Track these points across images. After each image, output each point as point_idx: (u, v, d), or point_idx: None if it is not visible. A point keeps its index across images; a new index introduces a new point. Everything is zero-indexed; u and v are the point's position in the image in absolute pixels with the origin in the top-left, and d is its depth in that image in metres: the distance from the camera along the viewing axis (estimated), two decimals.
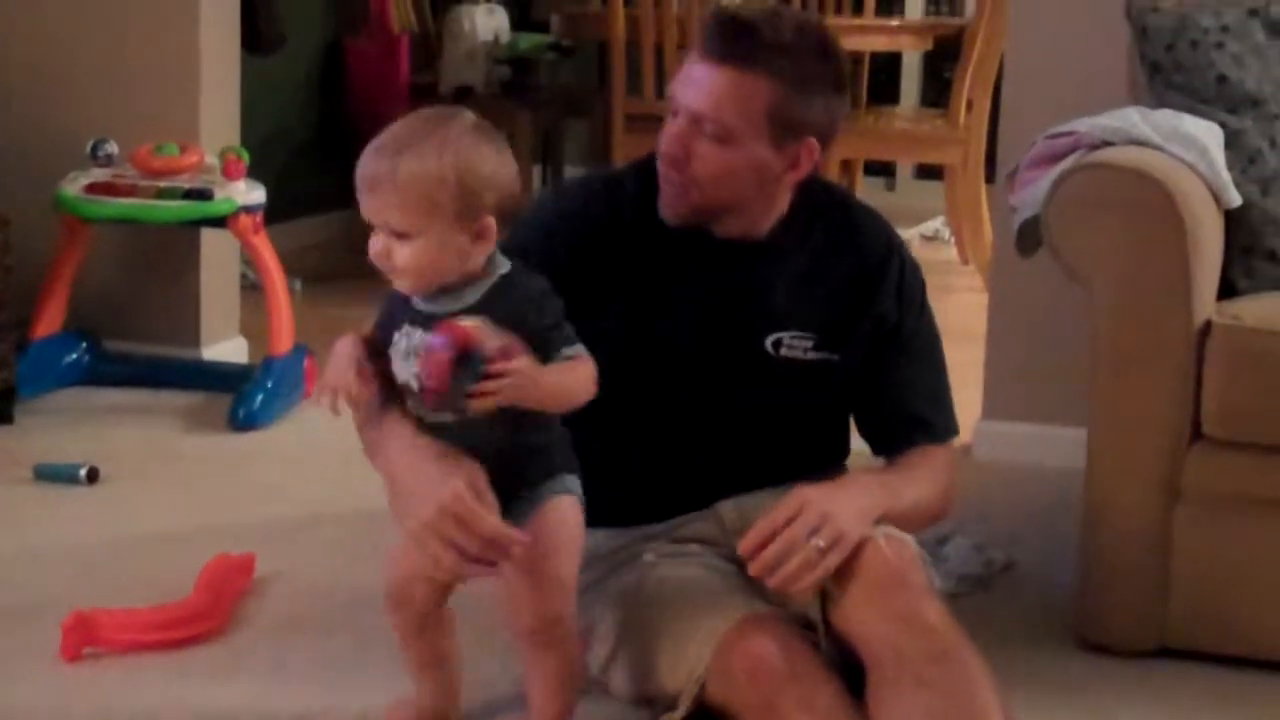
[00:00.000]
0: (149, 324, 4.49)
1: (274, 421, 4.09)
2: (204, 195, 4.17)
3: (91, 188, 4.21)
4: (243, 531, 3.30)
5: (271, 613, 2.95)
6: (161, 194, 4.17)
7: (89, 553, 3.25)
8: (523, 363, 2.18)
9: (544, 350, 2.23)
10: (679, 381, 2.60)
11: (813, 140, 2.52)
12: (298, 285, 5.16)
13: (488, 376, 2.15)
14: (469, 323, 2.18)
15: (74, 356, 4.35)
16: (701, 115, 2.46)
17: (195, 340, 4.51)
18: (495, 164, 2.26)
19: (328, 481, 3.62)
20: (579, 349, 2.27)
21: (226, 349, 4.58)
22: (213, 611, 2.87)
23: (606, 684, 2.55)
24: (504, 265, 2.30)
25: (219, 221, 4.22)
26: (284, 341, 4.23)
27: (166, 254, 4.48)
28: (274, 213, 4.40)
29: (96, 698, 2.61)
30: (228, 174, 4.22)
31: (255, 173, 4.31)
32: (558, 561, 2.31)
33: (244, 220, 4.21)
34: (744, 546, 2.40)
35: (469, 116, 2.29)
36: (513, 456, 2.29)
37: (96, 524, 3.41)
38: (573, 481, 2.35)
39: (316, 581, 3.10)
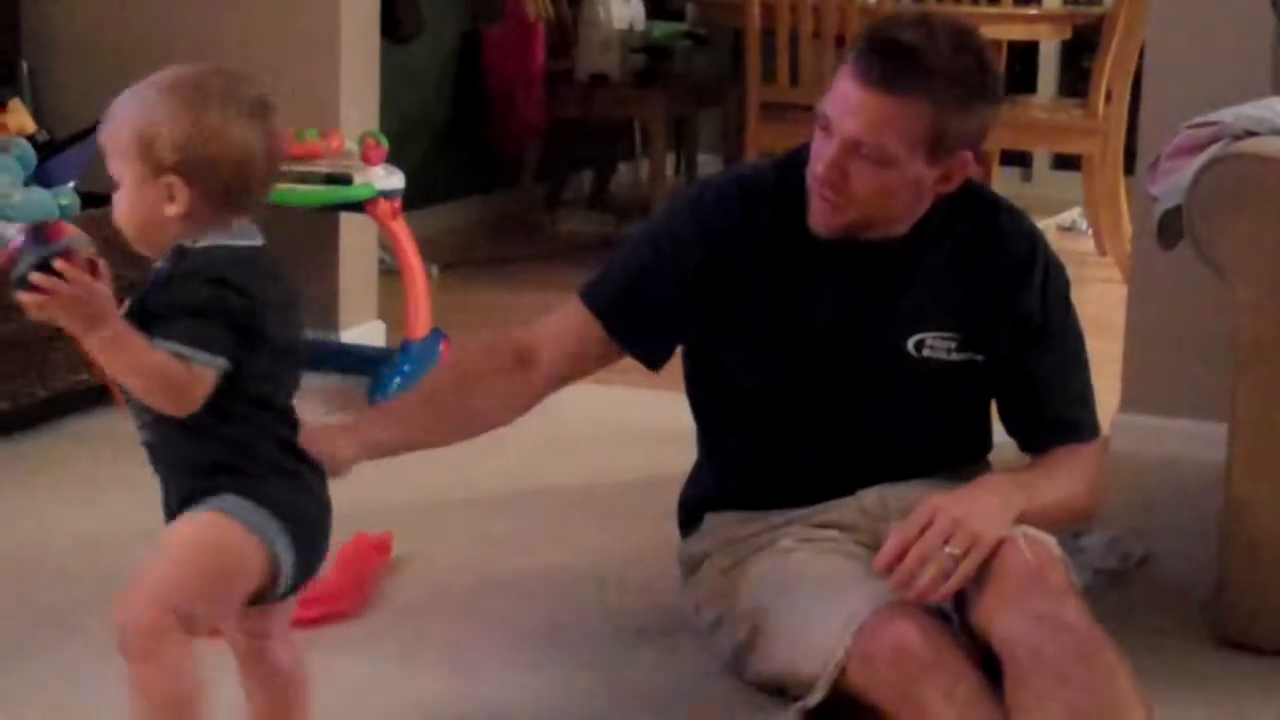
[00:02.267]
0: None
1: None
2: (343, 180, 4.22)
3: None
4: (379, 513, 3.33)
5: (406, 594, 3.00)
6: (302, 178, 4.22)
7: None
8: (87, 279, 1.98)
9: (145, 325, 2.03)
10: (819, 382, 2.61)
11: (966, 153, 2.50)
12: (435, 270, 5.21)
13: (52, 273, 1.96)
14: (66, 223, 2.05)
15: None
16: (859, 142, 2.44)
17: (334, 323, 4.58)
18: (190, 125, 2.03)
19: (462, 466, 3.64)
20: (182, 349, 2.00)
21: (364, 332, 4.64)
22: (349, 590, 2.92)
23: (740, 670, 2.56)
24: (214, 239, 2.06)
25: (358, 206, 4.27)
26: (421, 325, 4.28)
27: (307, 238, 4.54)
28: (412, 198, 4.45)
29: (231, 671, 2.65)
30: (367, 159, 4.27)
31: (394, 158, 4.35)
32: (153, 565, 2.08)
33: (383, 205, 4.26)
34: (879, 562, 2.40)
35: (207, 73, 2.09)
36: (195, 472, 2.10)
37: None
38: (225, 500, 2.07)
39: (450, 565, 3.14)
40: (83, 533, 3.28)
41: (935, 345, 2.58)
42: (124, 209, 2.08)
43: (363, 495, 3.48)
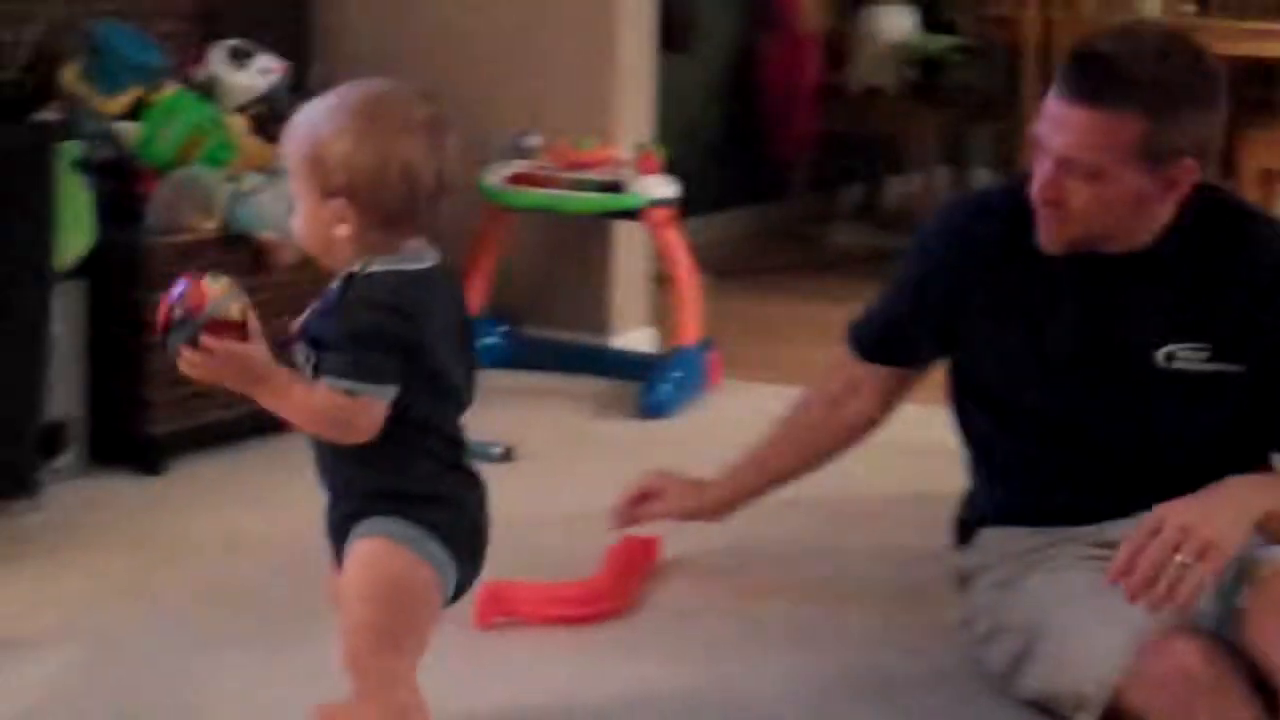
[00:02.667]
0: (562, 311, 4.64)
1: (680, 410, 4.18)
2: (618, 188, 4.28)
3: (514, 178, 4.37)
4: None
5: (673, 597, 3.02)
6: (578, 186, 4.30)
7: (501, 528, 3.34)
8: (236, 348, 2.06)
9: (319, 360, 2.11)
10: (1072, 397, 2.59)
11: (1189, 160, 2.46)
12: (706, 279, 5.24)
13: (200, 345, 2.05)
14: (213, 284, 2.07)
15: (493, 339, 4.52)
16: (1069, 159, 2.44)
17: (606, 328, 4.64)
18: (355, 146, 2.06)
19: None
20: (346, 384, 2.06)
21: (636, 338, 4.70)
22: (618, 591, 2.96)
23: (1011, 684, 2.54)
24: (382, 264, 2.11)
25: (632, 214, 4.34)
26: (692, 333, 4.32)
27: (582, 244, 4.62)
28: (685, 207, 4.49)
29: (505, 666, 2.72)
30: (642, 168, 4.33)
31: (671, 166, 4.40)
32: (345, 609, 2.18)
33: (656, 214, 4.32)
34: (1111, 573, 2.36)
35: (381, 91, 2.12)
36: (360, 496, 2.18)
37: (509, 501, 3.49)
38: (384, 524, 2.15)
39: (717, 568, 3.16)
40: None
41: (1186, 356, 2.54)
42: (301, 229, 2.14)
43: None
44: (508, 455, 3.77)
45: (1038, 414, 2.62)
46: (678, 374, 4.23)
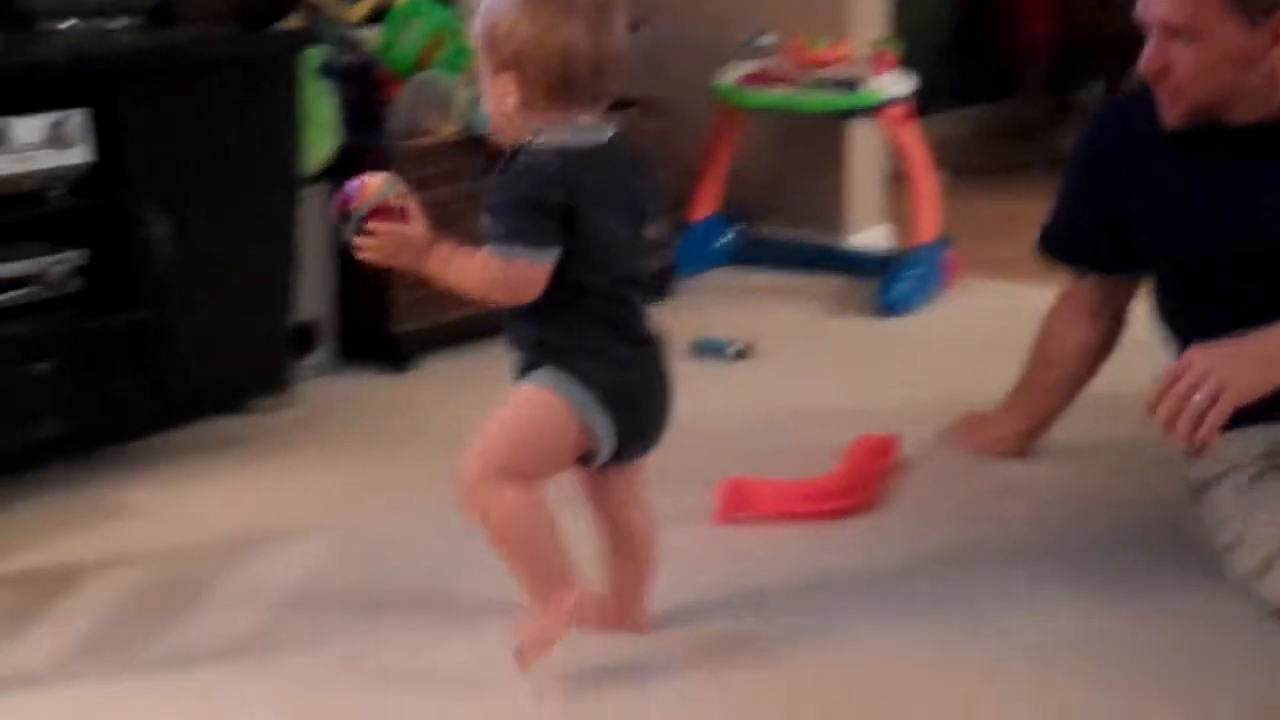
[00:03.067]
0: (798, 210, 4.64)
1: (916, 308, 4.17)
2: (853, 86, 4.25)
3: (747, 78, 4.37)
4: (884, 413, 3.38)
5: (909, 495, 3.02)
6: (812, 85, 4.28)
7: (738, 425, 3.41)
8: (395, 228, 2.25)
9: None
10: (1232, 274, 2.62)
11: None
12: (944, 176, 5.19)
13: (366, 231, 2.25)
14: (374, 179, 2.28)
15: (727, 239, 4.55)
16: (1163, 22, 2.49)
17: (841, 227, 4.63)
18: (519, 21, 2.18)
19: (968, 369, 3.66)
20: (504, 249, 2.19)
21: (872, 236, 4.68)
22: (856, 489, 2.97)
23: (1257, 592, 2.48)
24: (545, 138, 2.22)
25: (867, 112, 4.31)
26: (928, 231, 4.29)
27: (816, 143, 4.61)
28: (919, 104, 4.45)
29: (745, 559, 2.74)
30: (877, 66, 4.29)
31: (904, 64, 4.36)
32: (486, 427, 2.29)
33: (892, 111, 4.28)
34: (1146, 406, 2.40)
35: None
36: (529, 348, 2.31)
37: (745, 398, 3.57)
38: (545, 373, 2.27)
39: (957, 467, 3.15)
40: None
41: None
42: (486, 103, 2.27)
43: (874, 393, 3.57)
44: (743, 353, 3.79)
45: (1237, 298, 2.60)
46: (915, 271, 4.21)
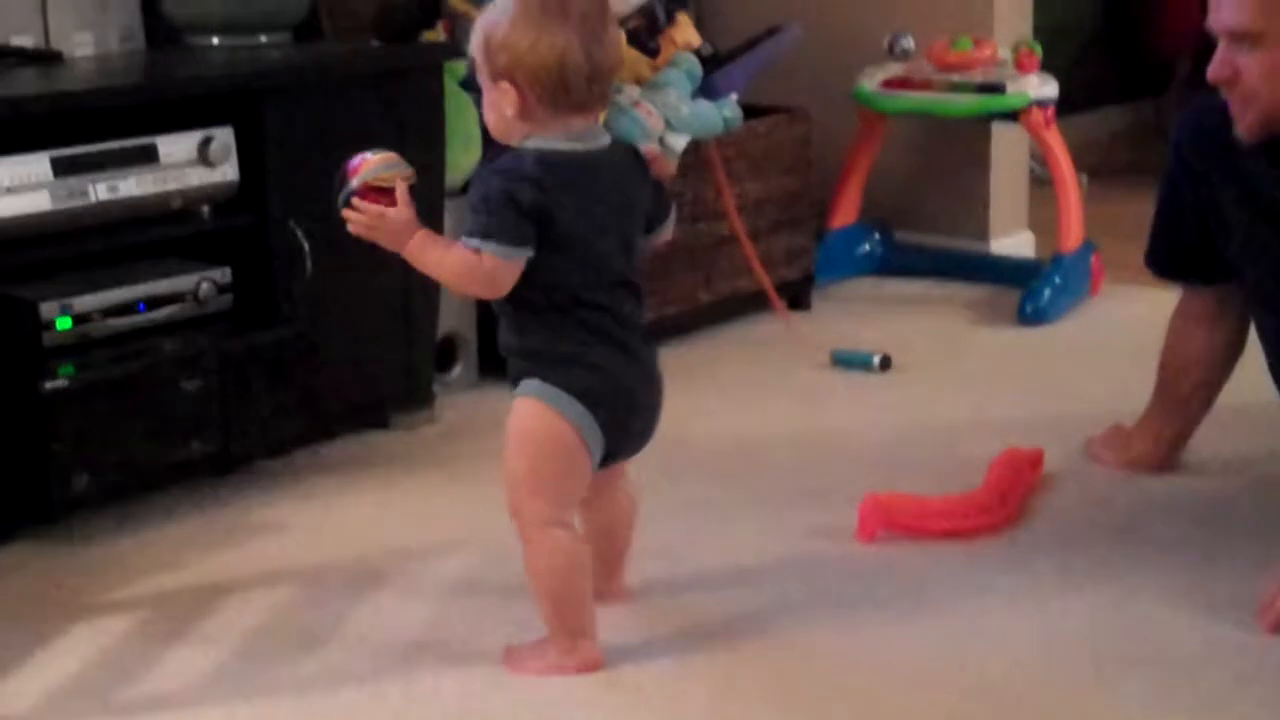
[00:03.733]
0: (939, 216, 4.59)
1: (1061, 317, 4.11)
2: (997, 89, 4.20)
3: (888, 82, 4.33)
4: (1031, 426, 3.34)
5: (1059, 511, 2.97)
6: (955, 88, 4.24)
7: (880, 438, 3.38)
8: (377, 209, 2.31)
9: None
10: None
11: None
12: (1084, 180, 5.13)
13: (355, 207, 2.33)
14: (374, 157, 2.35)
15: (867, 246, 4.51)
16: (1228, 29, 2.52)
17: (983, 233, 4.57)
18: (514, 30, 2.25)
19: (1114, 378, 3.60)
20: (475, 243, 2.27)
21: (1014, 243, 4.62)
22: (1002, 505, 2.93)
23: None
24: (532, 142, 2.30)
25: (1011, 115, 4.25)
26: (1073, 237, 4.23)
27: (958, 148, 4.56)
28: (1061, 105, 4.38)
29: (891, 574, 2.72)
30: (1020, 68, 4.23)
31: (1044, 65, 4.30)
32: (506, 458, 2.36)
33: (1036, 114, 4.22)
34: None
35: None
36: (515, 354, 2.38)
37: (888, 410, 3.54)
38: (533, 385, 2.34)
39: (1106, 484, 3.10)
40: (736, 427, 3.43)
41: None
42: (485, 113, 2.36)
43: (1020, 405, 3.52)
44: (886, 364, 3.76)
45: None
46: (1059, 279, 4.15)
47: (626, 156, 2.39)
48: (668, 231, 2.46)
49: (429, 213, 3.36)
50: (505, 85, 2.29)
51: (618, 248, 2.35)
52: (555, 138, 2.30)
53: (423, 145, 3.34)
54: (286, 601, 2.66)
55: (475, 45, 2.33)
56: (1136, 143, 6.25)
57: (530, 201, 2.26)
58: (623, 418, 2.38)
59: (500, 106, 2.31)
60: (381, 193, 2.33)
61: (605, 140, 2.36)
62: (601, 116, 3.61)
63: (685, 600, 2.64)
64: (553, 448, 2.34)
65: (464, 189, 3.58)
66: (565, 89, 2.27)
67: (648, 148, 3.70)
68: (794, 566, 2.76)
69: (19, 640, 2.53)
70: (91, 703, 2.36)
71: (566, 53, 2.25)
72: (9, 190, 2.81)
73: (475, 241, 2.27)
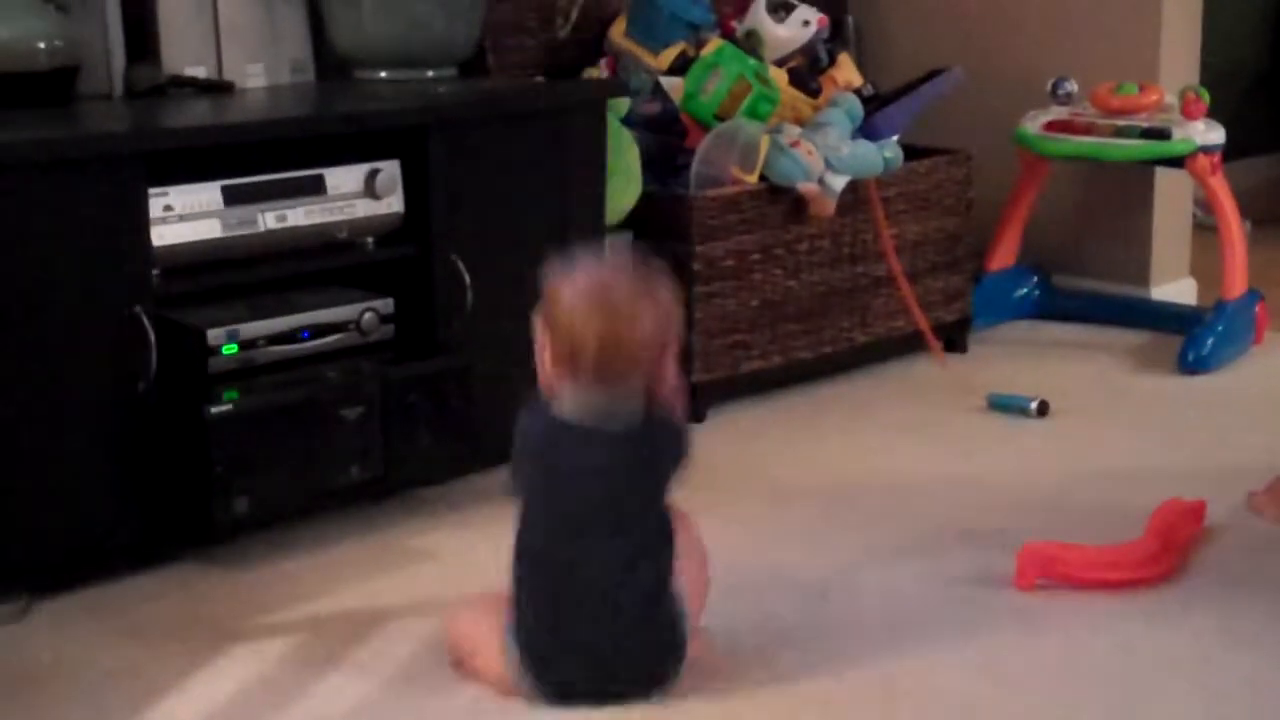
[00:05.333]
0: (1099, 261, 4.54)
1: (1223, 366, 4.04)
2: (1162, 135, 4.15)
3: (1050, 125, 4.29)
4: (1192, 476, 3.28)
5: (1220, 565, 2.92)
6: (1119, 132, 4.19)
7: (1037, 485, 3.33)
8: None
9: None
10: None
11: None
12: (1248, 226, 5.04)
13: None
14: None
15: (1025, 290, 4.47)
16: None
17: (1145, 279, 4.51)
18: (559, 290, 2.39)
19: (1276, 431, 3.54)
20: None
21: (1175, 289, 4.56)
22: (1163, 556, 2.88)
23: None
24: (541, 402, 2.44)
25: (1176, 161, 4.19)
26: (1237, 284, 4.16)
27: (1120, 192, 4.51)
28: (1226, 150, 4.32)
29: (1049, 625, 2.68)
30: (1186, 113, 4.17)
31: (1210, 109, 4.24)
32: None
33: (1201, 160, 4.16)
34: None
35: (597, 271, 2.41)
36: None
37: (1045, 457, 3.50)
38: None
39: (1266, 536, 3.04)
40: (892, 470, 3.41)
41: None
42: (536, 350, 2.44)
43: (1181, 455, 3.46)
44: (1044, 410, 3.72)
45: None
46: (1222, 327, 4.08)
47: (599, 434, 2.40)
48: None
49: (589, 248, 3.39)
50: (545, 334, 2.40)
51: (585, 519, 2.39)
52: (559, 402, 2.40)
53: (584, 181, 3.36)
54: (437, 630, 2.68)
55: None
56: None
57: (526, 459, 2.44)
58: (561, 682, 2.41)
59: (542, 351, 2.42)
60: None
61: (594, 419, 2.39)
62: (753, 176, 3.66)
63: (839, 644, 2.62)
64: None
65: (622, 225, 3.60)
66: (576, 366, 2.36)
67: (809, 188, 3.72)
68: (950, 612, 2.73)
69: (176, 661, 2.57)
70: None
71: (581, 337, 2.35)
72: (181, 218, 2.87)
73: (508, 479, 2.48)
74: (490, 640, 2.45)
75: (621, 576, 2.38)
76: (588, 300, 2.35)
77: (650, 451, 2.43)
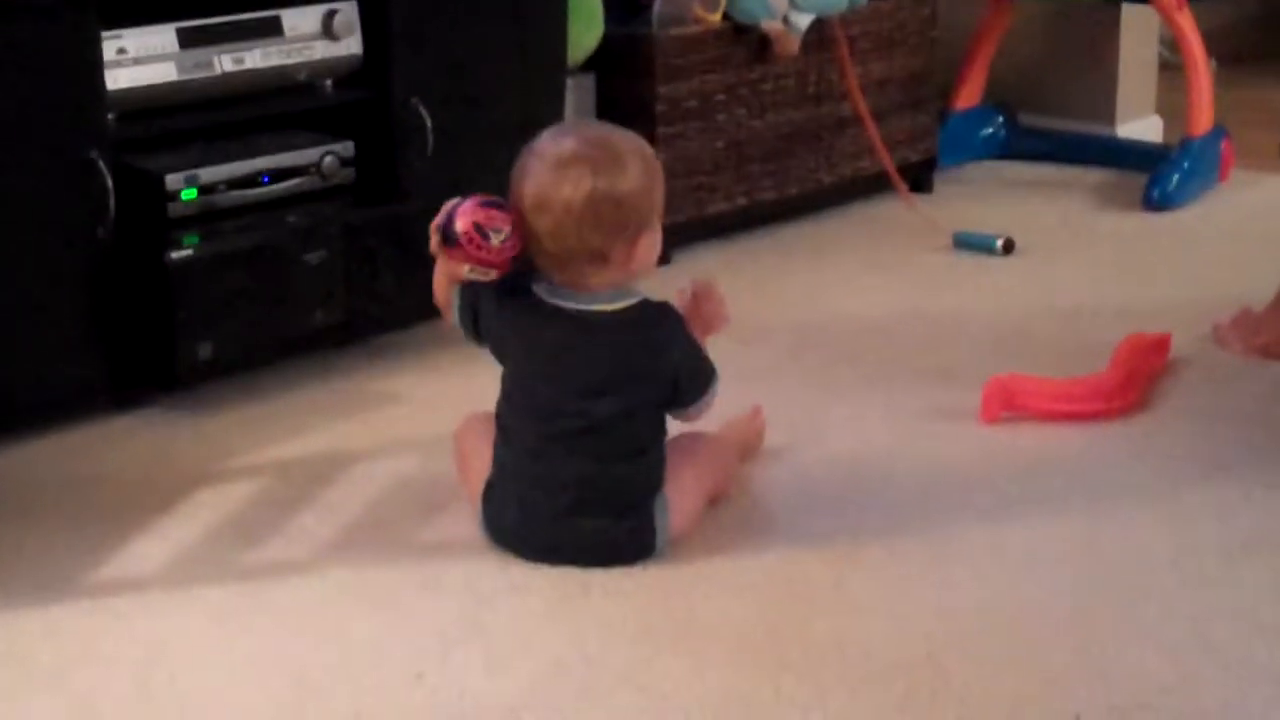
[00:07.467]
0: (1065, 99, 4.52)
1: (1189, 203, 4.04)
2: None
3: None
4: (1156, 311, 3.29)
5: (1187, 396, 2.93)
6: None
7: (1002, 321, 3.34)
8: (442, 259, 2.40)
9: None
10: None
11: None
12: (1214, 65, 5.01)
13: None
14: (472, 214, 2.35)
15: (991, 130, 4.45)
16: None
17: (1110, 117, 4.50)
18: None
19: (1242, 265, 3.55)
20: (461, 304, 2.44)
21: (1141, 127, 4.54)
22: (1128, 389, 2.89)
23: None
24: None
25: None
26: (1202, 122, 4.14)
27: (1086, 30, 4.47)
28: None
29: (1014, 457, 2.70)
30: None
31: None
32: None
33: None
34: None
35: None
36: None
37: (1010, 294, 3.50)
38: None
39: (1228, 367, 3.05)
40: (858, 309, 3.40)
41: None
42: None
43: (1144, 291, 3.47)
44: (1009, 247, 3.71)
45: None
46: (1187, 164, 4.07)
47: (559, 313, 2.36)
48: (692, 413, 2.45)
49: (550, 92, 3.36)
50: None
51: (537, 385, 2.36)
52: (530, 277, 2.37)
53: (546, 24, 3.32)
54: (407, 470, 2.69)
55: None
56: (1268, 28, 6.11)
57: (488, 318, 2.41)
58: (513, 530, 2.39)
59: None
60: (483, 240, 2.33)
61: (551, 293, 2.36)
62: (717, 15, 3.61)
63: (805, 476, 2.64)
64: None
65: (584, 67, 3.57)
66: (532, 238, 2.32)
67: (772, 27, 3.68)
68: (915, 445, 2.75)
69: (145, 504, 2.57)
70: (217, 566, 2.39)
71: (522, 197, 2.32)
72: (135, 61, 2.83)
73: (458, 308, 2.45)
74: (472, 461, 2.47)
75: (580, 466, 2.34)
76: (545, 165, 2.31)
77: (626, 344, 2.38)
